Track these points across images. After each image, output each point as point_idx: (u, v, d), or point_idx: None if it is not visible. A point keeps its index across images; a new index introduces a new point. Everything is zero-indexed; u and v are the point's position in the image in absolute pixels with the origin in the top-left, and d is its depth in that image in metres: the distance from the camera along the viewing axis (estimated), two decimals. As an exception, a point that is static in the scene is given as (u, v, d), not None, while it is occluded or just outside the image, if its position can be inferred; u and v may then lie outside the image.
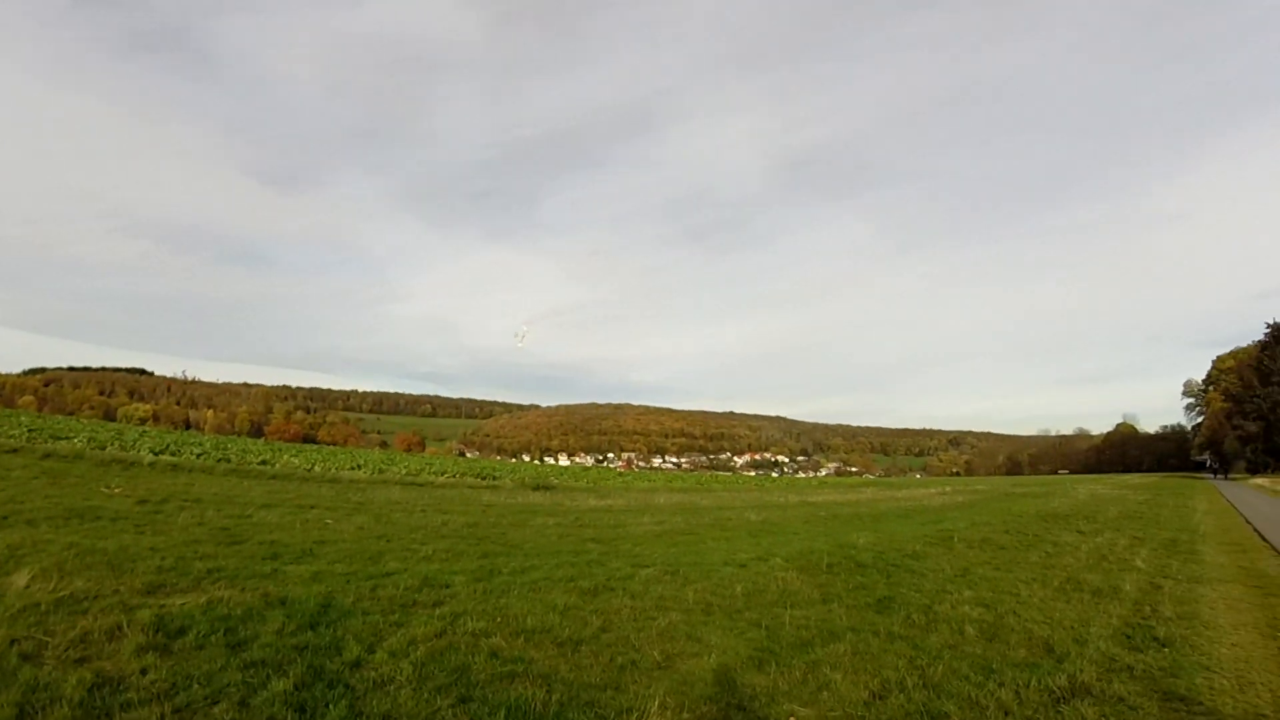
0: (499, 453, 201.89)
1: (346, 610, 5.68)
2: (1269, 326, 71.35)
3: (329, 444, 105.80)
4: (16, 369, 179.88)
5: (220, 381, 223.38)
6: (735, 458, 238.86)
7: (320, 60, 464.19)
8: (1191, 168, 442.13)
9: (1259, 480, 54.85)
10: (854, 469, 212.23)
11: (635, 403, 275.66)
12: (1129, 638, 6.48)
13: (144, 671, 4.06)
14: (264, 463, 23.35)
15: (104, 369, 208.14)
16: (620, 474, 54.55)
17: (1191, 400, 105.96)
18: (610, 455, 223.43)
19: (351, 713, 3.80)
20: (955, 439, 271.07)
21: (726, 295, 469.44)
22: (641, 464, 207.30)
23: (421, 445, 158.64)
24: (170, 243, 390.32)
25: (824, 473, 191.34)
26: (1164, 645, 6.23)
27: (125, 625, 4.71)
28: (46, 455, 17.28)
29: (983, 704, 4.58)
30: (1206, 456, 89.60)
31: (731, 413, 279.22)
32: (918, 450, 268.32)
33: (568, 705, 4.17)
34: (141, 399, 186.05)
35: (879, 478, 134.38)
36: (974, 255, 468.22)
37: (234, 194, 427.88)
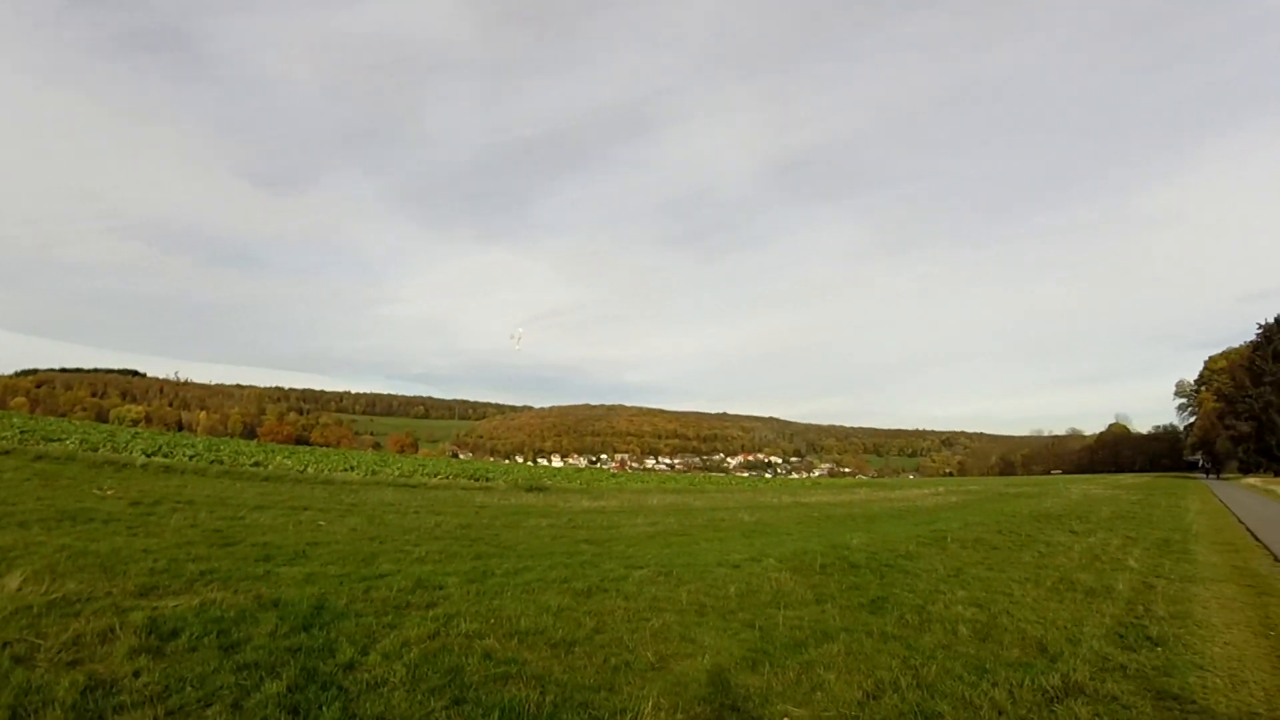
0: (492, 454, 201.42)
1: (340, 612, 5.66)
2: (1261, 327, 71.81)
3: (322, 445, 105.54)
4: (8, 370, 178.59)
5: (213, 383, 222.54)
6: (728, 459, 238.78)
7: (315, 61, 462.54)
8: (1189, 168, 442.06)
9: (1251, 480, 55.19)
10: (847, 470, 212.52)
11: (629, 404, 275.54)
12: (1122, 637, 6.50)
13: (137, 674, 4.04)
14: (257, 464, 23.27)
15: (96, 370, 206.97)
16: (614, 475, 54.50)
17: (1184, 400, 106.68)
18: (603, 456, 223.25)
19: (345, 715, 3.79)
20: (948, 439, 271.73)
21: (722, 296, 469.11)
22: (635, 465, 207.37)
23: (415, 447, 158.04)
24: (163, 244, 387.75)
25: (817, 473, 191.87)
26: (1157, 644, 6.25)
27: (118, 627, 4.70)
28: (39, 457, 17.19)
29: (976, 704, 4.59)
30: (1199, 456, 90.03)
31: (725, 414, 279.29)
32: (911, 451, 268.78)
33: (561, 707, 4.17)
34: (134, 400, 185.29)
35: (872, 478, 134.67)
36: (968, 256, 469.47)
37: (227, 195, 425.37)
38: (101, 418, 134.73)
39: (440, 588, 6.91)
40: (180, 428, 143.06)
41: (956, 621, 6.76)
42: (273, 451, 31.96)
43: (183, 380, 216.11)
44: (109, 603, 5.28)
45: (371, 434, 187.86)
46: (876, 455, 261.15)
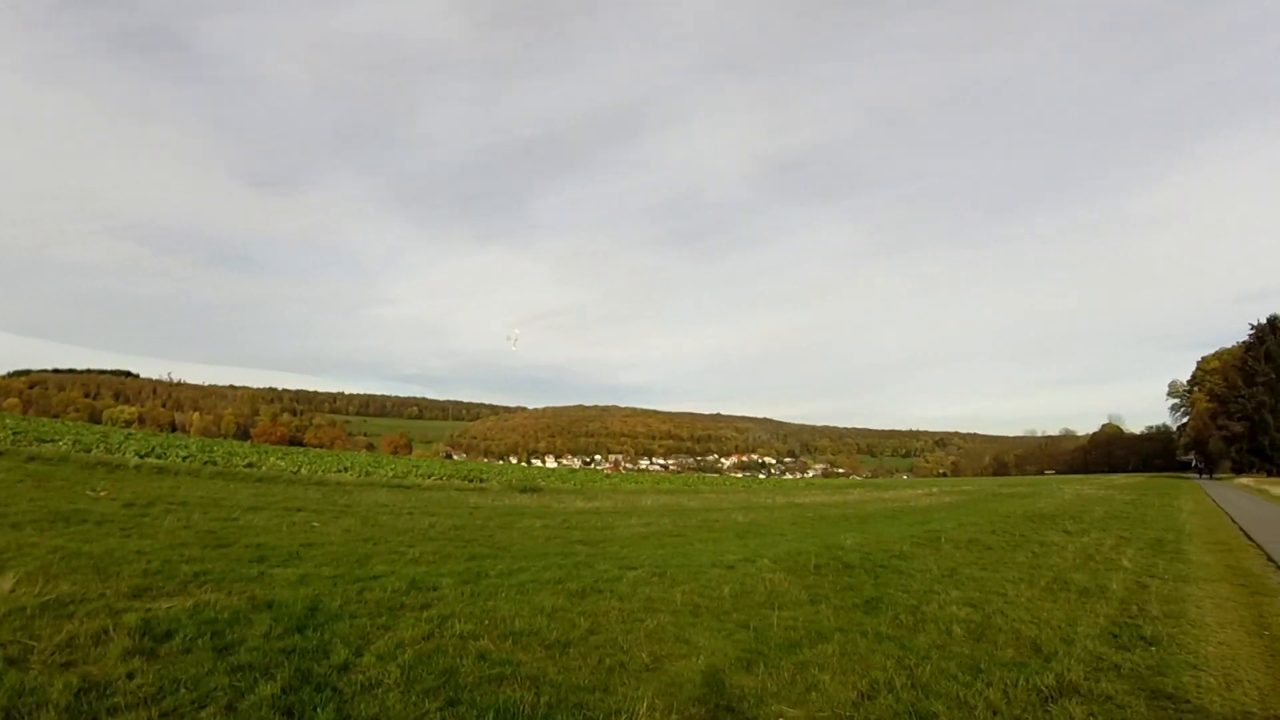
0: (486, 455, 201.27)
1: (334, 613, 5.65)
2: (1253, 328, 72.41)
3: (315, 446, 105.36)
4: (1, 371, 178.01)
5: (206, 384, 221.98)
6: (722, 459, 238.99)
7: (311, 61, 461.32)
8: (1187, 168, 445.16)
9: (1244, 480, 55.56)
10: (841, 470, 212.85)
11: (622, 405, 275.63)
12: (1116, 636, 6.53)
13: (131, 675, 4.03)
14: (250, 465, 23.16)
15: (89, 371, 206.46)
16: (607, 476, 54.40)
17: (1177, 401, 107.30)
18: (597, 457, 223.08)
19: (339, 716, 3.79)
20: (942, 440, 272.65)
21: (718, 297, 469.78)
22: (629, 466, 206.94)
23: (408, 447, 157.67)
24: (156, 244, 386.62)
25: (811, 474, 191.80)
26: (1151, 644, 6.27)
27: (111, 629, 4.68)
28: (31, 458, 17.08)
29: (971, 703, 4.61)
30: (1192, 457, 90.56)
31: (719, 414, 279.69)
32: (904, 451, 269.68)
33: (556, 707, 4.17)
34: (127, 401, 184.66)
35: (866, 479, 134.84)
36: (966, 256, 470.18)
37: (221, 195, 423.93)
38: (95, 419, 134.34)
39: (434, 589, 6.90)
40: (174, 429, 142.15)
41: (951, 621, 6.77)
42: (266, 453, 31.83)
43: (176, 381, 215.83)
44: (103, 604, 5.25)
45: (365, 435, 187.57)
46: (870, 456, 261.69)
